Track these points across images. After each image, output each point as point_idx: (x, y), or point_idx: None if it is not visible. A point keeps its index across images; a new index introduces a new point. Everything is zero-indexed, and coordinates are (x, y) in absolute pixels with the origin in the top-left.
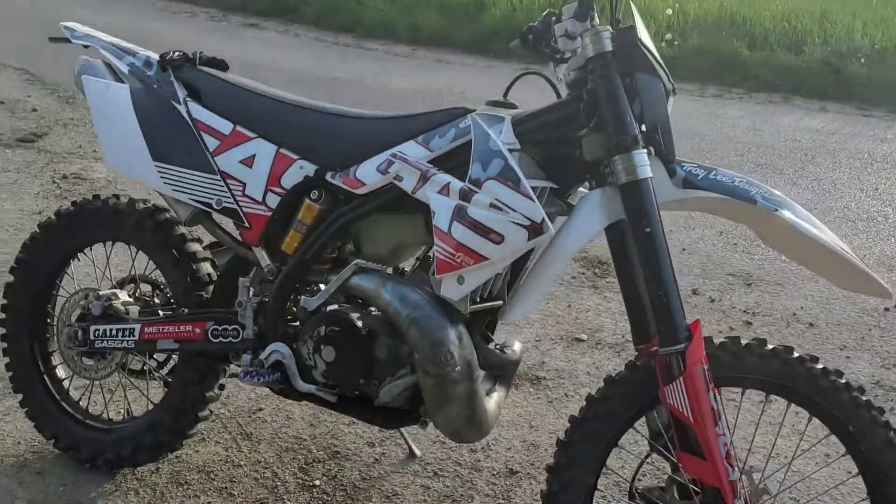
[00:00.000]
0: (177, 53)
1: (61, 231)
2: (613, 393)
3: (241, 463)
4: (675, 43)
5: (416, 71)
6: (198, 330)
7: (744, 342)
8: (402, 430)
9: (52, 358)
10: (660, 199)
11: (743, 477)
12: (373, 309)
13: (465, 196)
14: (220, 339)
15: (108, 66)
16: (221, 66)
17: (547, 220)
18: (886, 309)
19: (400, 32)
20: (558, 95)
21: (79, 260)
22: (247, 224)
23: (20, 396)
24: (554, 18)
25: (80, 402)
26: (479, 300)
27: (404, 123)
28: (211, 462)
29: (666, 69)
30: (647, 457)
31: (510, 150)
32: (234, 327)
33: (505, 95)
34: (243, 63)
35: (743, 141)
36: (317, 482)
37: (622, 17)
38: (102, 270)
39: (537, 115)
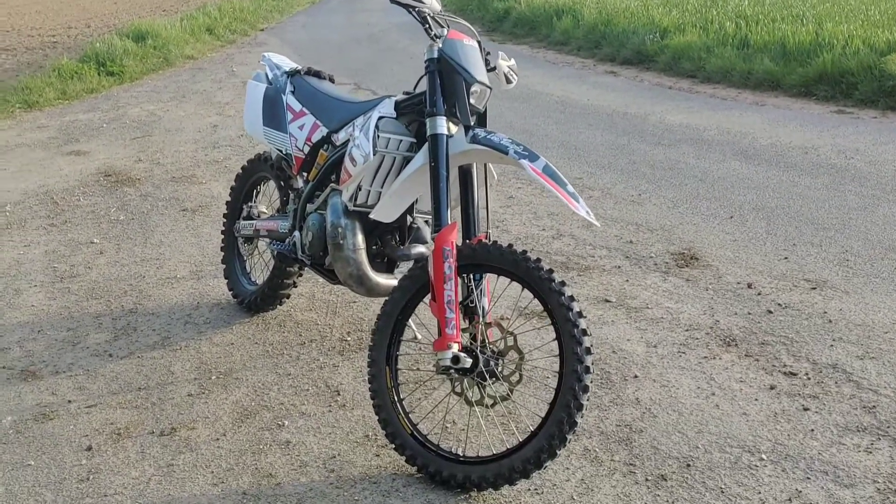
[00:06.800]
0: (298, 67)
1: (246, 170)
2: (412, 273)
3: (319, 322)
4: None
5: (704, 110)
6: (274, 225)
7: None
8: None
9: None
10: (458, 149)
11: (480, 325)
12: None
13: (353, 141)
14: (282, 230)
15: (266, 75)
16: (321, 76)
17: (371, 152)
18: None
19: (735, 78)
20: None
21: (260, 188)
22: (293, 163)
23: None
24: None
25: (250, 272)
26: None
27: (365, 105)
28: (306, 319)
29: (473, 68)
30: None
31: (383, 118)
32: (287, 223)
33: (414, 88)
34: (564, 100)
35: None
36: (349, 339)
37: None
38: (270, 197)
39: (409, 98)
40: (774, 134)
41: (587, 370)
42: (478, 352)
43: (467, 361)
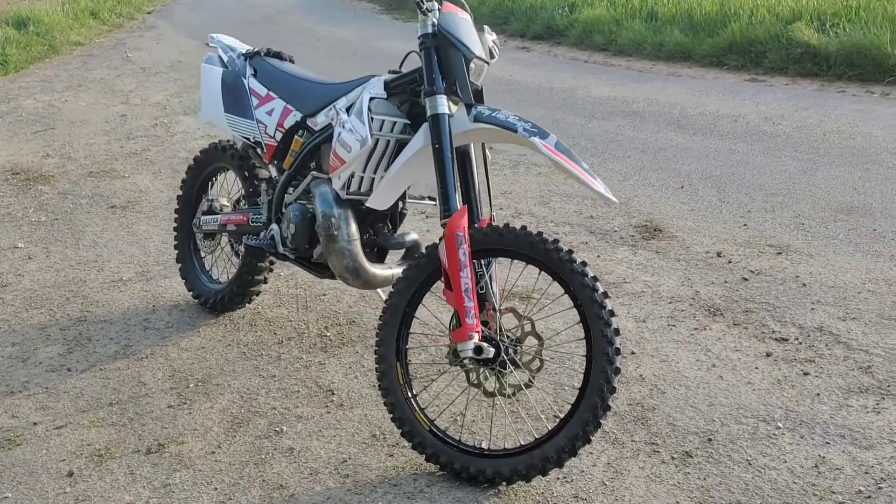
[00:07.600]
0: (256, 49)
1: (199, 161)
2: (418, 262)
3: (291, 319)
4: None
5: (626, 82)
6: (244, 218)
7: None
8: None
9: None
10: (460, 129)
11: (494, 313)
12: None
13: (342, 125)
14: (254, 223)
15: (220, 58)
16: (282, 57)
17: (369, 136)
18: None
19: (647, 50)
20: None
21: (216, 180)
22: (265, 151)
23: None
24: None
25: (210, 269)
26: (362, 195)
27: (345, 86)
28: (277, 316)
29: (471, 43)
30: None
31: (374, 99)
32: (260, 215)
33: (399, 67)
34: (485, 77)
35: None
36: (329, 334)
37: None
38: (228, 189)
39: (400, 76)
40: (700, 103)
41: (617, 352)
42: (498, 340)
43: (490, 351)
